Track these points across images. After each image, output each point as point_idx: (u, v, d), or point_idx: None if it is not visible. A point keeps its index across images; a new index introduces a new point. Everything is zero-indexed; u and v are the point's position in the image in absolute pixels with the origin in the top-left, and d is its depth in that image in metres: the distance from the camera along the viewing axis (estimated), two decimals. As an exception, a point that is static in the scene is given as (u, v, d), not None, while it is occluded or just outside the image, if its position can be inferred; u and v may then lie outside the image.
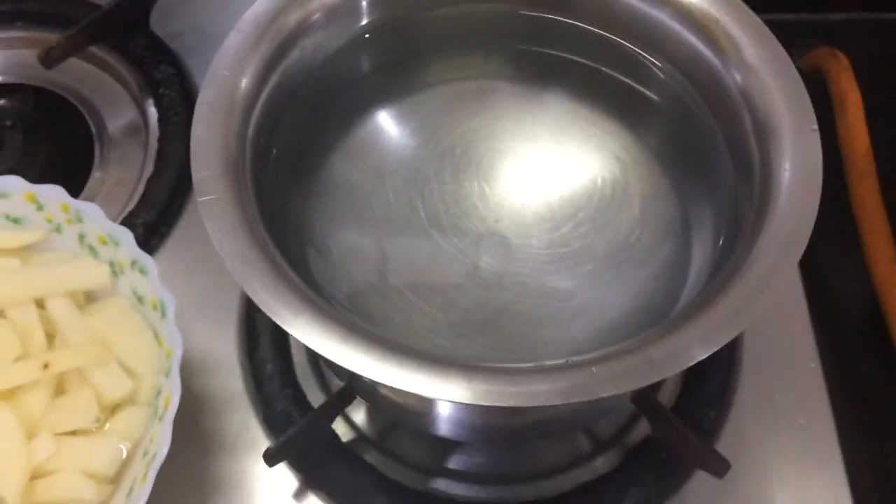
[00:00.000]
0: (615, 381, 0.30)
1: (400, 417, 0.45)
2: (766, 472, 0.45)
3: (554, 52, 0.45)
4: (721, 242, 0.37)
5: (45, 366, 0.39)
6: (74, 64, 0.58)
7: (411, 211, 0.44)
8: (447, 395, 0.29)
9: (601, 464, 0.46)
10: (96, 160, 0.57)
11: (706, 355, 0.30)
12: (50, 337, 0.42)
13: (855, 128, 0.61)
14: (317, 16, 0.40)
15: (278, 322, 0.31)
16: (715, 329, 0.31)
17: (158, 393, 0.40)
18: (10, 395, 0.39)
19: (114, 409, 0.41)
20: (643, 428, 0.47)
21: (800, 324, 0.50)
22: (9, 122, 0.55)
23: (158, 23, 0.60)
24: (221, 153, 0.35)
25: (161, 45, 0.59)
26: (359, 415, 0.48)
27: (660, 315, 0.40)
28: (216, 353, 0.49)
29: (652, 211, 0.43)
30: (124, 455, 0.38)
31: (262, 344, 0.48)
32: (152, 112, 0.58)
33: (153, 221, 0.52)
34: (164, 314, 0.40)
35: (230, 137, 0.35)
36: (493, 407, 0.31)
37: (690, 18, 0.39)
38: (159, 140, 0.55)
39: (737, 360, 0.48)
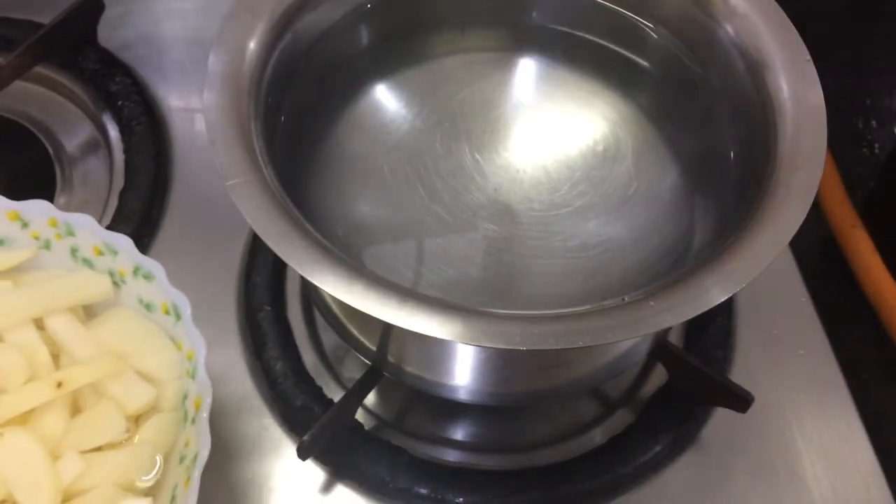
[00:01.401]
0: (673, 312, 0.30)
1: (425, 388, 0.44)
2: (779, 404, 0.47)
3: (546, 24, 0.46)
4: (725, 185, 0.39)
5: (59, 384, 0.38)
6: (21, 86, 0.56)
7: (409, 186, 0.43)
8: (527, 343, 0.29)
9: (620, 420, 0.47)
10: (58, 182, 0.55)
11: (751, 279, 0.31)
12: (55, 357, 0.40)
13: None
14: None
15: (335, 293, 0.31)
16: (753, 258, 0.32)
17: (185, 396, 0.38)
18: (25, 419, 0.37)
19: (137, 419, 0.39)
20: (651, 383, 0.48)
21: (785, 261, 0.52)
22: (-39, 150, 0.52)
23: (106, 36, 0.58)
24: (238, 135, 0.34)
25: (112, 58, 0.57)
26: (370, 400, 0.47)
27: (673, 261, 0.41)
28: (220, 360, 0.47)
29: (645, 163, 0.44)
30: (159, 464, 0.37)
31: (269, 343, 0.47)
32: (111, 126, 0.56)
33: (132, 234, 0.50)
34: (178, 316, 0.39)
35: (242, 117, 0.35)
36: (548, 354, 0.31)
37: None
38: (125, 152, 0.54)
39: (734, 303, 0.50)
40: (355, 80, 0.44)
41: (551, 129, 0.46)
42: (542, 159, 0.45)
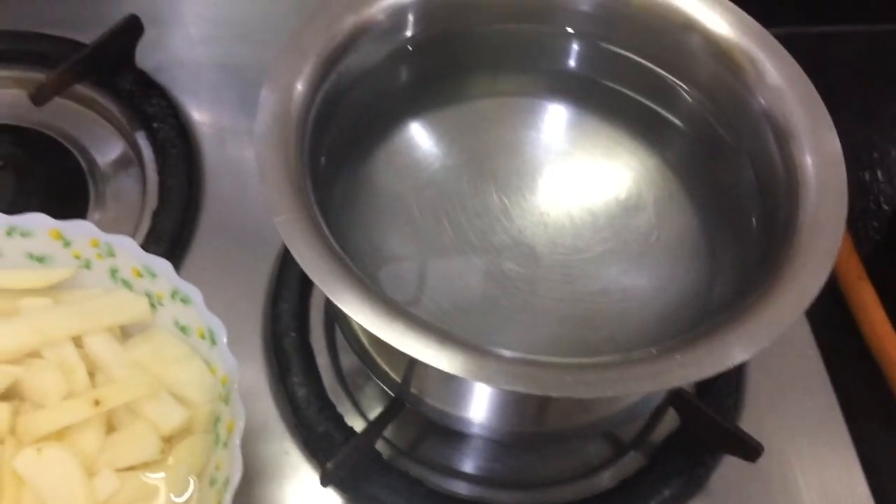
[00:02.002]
0: (699, 366, 0.32)
1: (443, 420, 0.45)
2: (785, 454, 0.48)
3: (580, 73, 0.48)
4: (745, 242, 0.40)
5: (96, 402, 0.39)
6: (58, 103, 0.57)
7: (437, 224, 0.45)
8: (559, 390, 0.31)
9: (630, 462, 0.48)
10: (91, 198, 0.56)
11: (771, 340, 0.32)
12: (90, 375, 0.41)
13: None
14: (360, 33, 0.41)
15: (378, 332, 0.32)
16: (773, 319, 0.33)
17: (217, 420, 0.40)
18: (61, 435, 0.39)
19: (169, 440, 0.40)
20: (663, 427, 0.50)
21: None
22: (0, 163, 0.54)
23: (143, 57, 0.60)
24: (284, 171, 0.35)
25: (149, 80, 0.59)
26: (390, 432, 0.49)
27: (693, 314, 0.42)
28: (244, 383, 0.47)
29: (667, 214, 0.46)
30: (193, 485, 0.38)
31: (294, 368, 0.48)
32: (145, 145, 0.57)
33: (164, 254, 0.50)
34: (214, 341, 0.40)
35: (290, 154, 0.36)
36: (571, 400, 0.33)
37: (715, 44, 0.42)
38: (159, 173, 0.55)
39: (745, 351, 0.51)
40: (390, 118, 0.46)
41: (577, 175, 0.47)
42: (567, 204, 0.46)
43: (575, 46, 0.47)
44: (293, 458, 0.46)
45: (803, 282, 0.34)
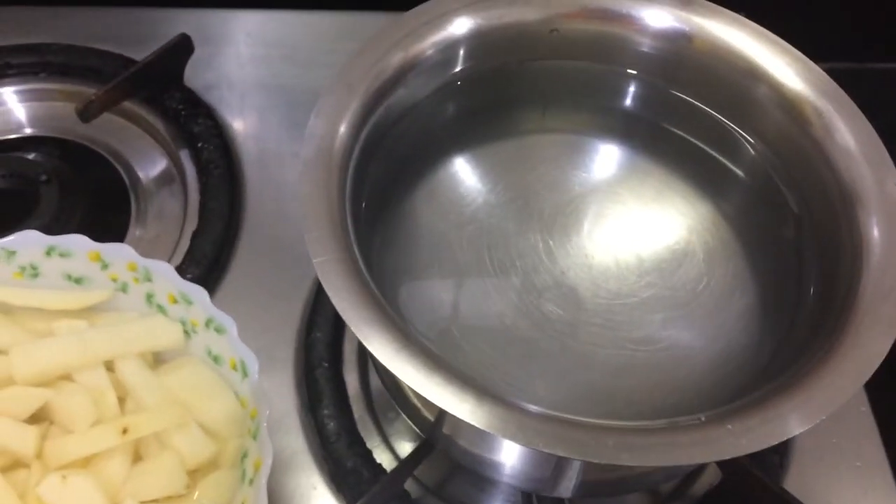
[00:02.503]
0: (751, 438, 0.30)
1: (473, 465, 0.44)
2: (830, 514, 0.46)
3: (634, 113, 0.47)
4: (811, 300, 0.38)
5: (125, 430, 0.38)
6: (104, 117, 0.58)
7: (478, 262, 0.44)
8: (601, 456, 0.30)
9: (670, 516, 0.47)
10: (133, 215, 0.56)
11: (834, 408, 0.31)
12: (121, 400, 0.41)
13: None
14: (407, 70, 0.41)
15: (414, 385, 0.31)
16: (834, 388, 0.31)
17: (244, 455, 0.39)
18: (87, 462, 0.38)
19: (194, 473, 0.39)
20: (704, 480, 0.48)
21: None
22: (44, 177, 0.54)
23: (192, 75, 0.60)
24: (326, 210, 0.35)
25: (196, 99, 0.59)
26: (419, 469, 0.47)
27: (741, 364, 0.41)
28: (276, 410, 0.48)
29: (717, 262, 0.44)
30: (216, 522, 0.37)
31: (325, 400, 0.47)
32: (188, 164, 0.57)
33: (201, 277, 0.51)
34: (245, 374, 0.40)
35: (332, 193, 0.35)
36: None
37: (781, 95, 0.41)
38: (201, 194, 0.55)
39: (793, 406, 0.49)
40: (435, 153, 0.45)
41: (624, 216, 0.46)
42: (612, 246, 0.45)
43: (632, 86, 0.46)
44: (321, 492, 0.45)
45: (865, 351, 0.32)
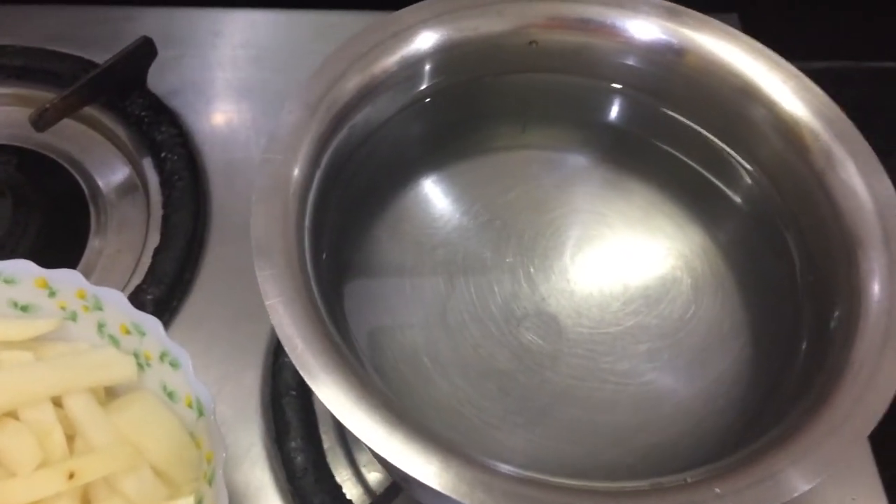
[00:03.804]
0: (740, 501, 0.28)
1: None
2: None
3: (617, 129, 0.44)
4: (804, 343, 0.36)
5: (71, 475, 0.36)
6: (63, 123, 0.54)
7: (454, 290, 0.41)
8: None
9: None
10: (92, 226, 0.53)
11: (826, 474, 0.28)
12: (69, 439, 0.38)
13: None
14: (371, 87, 0.38)
15: (372, 445, 0.28)
16: (835, 442, 0.29)
17: (200, 502, 0.36)
18: (31, 509, 0.35)
19: (147, 519, 0.37)
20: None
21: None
22: (-3, 189, 0.51)
23: (156, 79, 0.56)
24: (282, 247, 0.32)
25: (160, 105, 0.56)
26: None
27: (729, 402, 0.38)
28: (240, 441, 0.45)
29: (706, 291, 0.42)
30: (167, 576, 0.35)
31: (292, 431, 0.44)
32: (151, 174, 0.54)
33: (163, 297, 0.48)
34: (201, 412, 0.37)
35: (289, 228, 0.33)
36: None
37: (778, 117, 0.38)
38: (164, 207, 0.52)
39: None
40: (407, 173, 0.42)
41: (609, 239, 0.43)
42: (596, 271, 0.42)
43: (618, 102, 0.43)
44: (286, 530, 0.43)
45: (863, 406, 0.29)
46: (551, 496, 0.28)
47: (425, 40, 0.39)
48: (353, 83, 0.37)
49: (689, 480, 0.29)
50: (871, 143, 0.65)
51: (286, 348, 0.30)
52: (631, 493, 0.29)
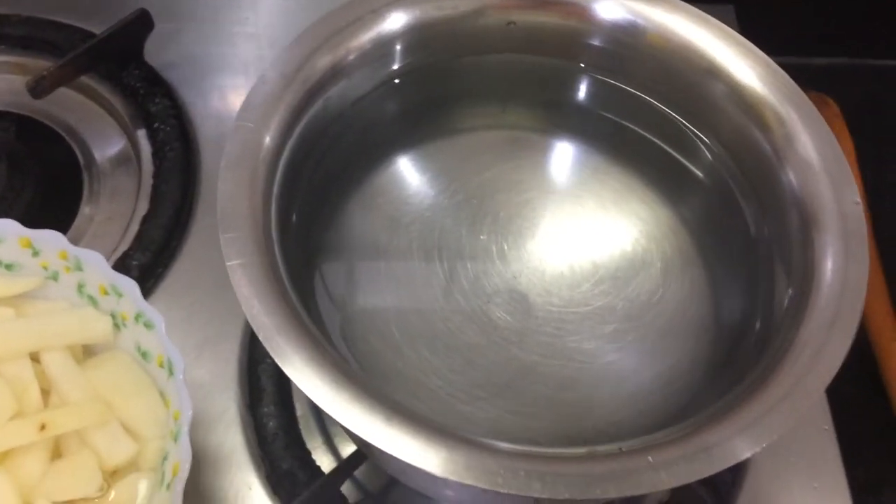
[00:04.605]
0: (673, 471, 0.28)
1: (405, 481, 0.43)
2: (781, 537, 0.45)
3: (591, 110, 0.44)
4: (757, 321, 0.37)
5: (43, 427, 0.37)
6: (59, 91, 0.56)
7: (427, 265, 0.42)
8: (509, 486, 0.28)
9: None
10: (85, 194, 0.54)
11: (760, 447, 0.29)
12: (45, 393, 0.39)
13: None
14: (344, 64, 0.38)
15: (318, 402, 0.29)
16: (767, 418, 0.30)
17: (165, 458, 0.37)
18: (3, 457, 0.37)
19: (114, 473, 0.38)
20: (652, 497, 0.46)
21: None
22: (-8, 153, 0.52)
23: (152, 52, 0.58)
24: (248, 212, 0.33)
25: (156, 77, 0.57)
26: (360, 470, 0.46)
27: (687, 383, 0.39)
28: (215, 405, 0.47)
29: (674, 272, 0.42)
30: (130, 527, 0.36)
31: (266, 398, 0.46)
32: (144, 145, 0.55)
33: (149, 263, 0.49)
34: (171, 372, 0.38)
35: (256, 195, 0.34)
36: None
37: (740, 95, 0.38)
38: (154, 177, 0.53)
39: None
40: (382, 150, 0.43)
41: (581, 219, 0.44)
42: (568, 251, 0.43)
43: (587, 82, 0.43)
44: (255, 493, 0.44)
45: (801, 388, 0.30)
46: (487, 461, 0.29)
47: (404, 17, 0.40)
48: (329, 56, 0.38)
49: (623, 449, 0.30)
50: (870, 141, 0.65)
51: (243, 309, 0.31)
52: (565, 458, 0.30)
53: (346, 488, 0.44)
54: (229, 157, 0.34)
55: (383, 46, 0.39)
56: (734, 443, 0.29)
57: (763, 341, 0.34)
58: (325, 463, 0.45)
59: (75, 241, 0.51)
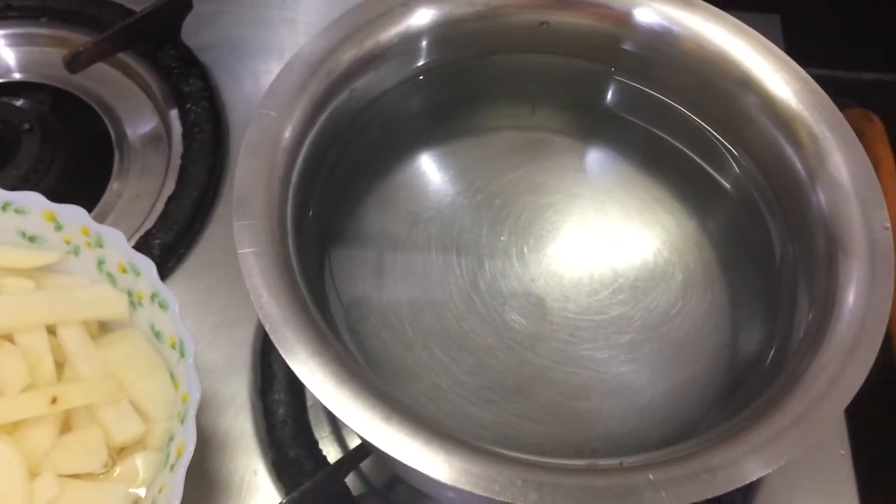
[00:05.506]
0: (674, 490, 0.28)
1: (409, 481, 0.43)
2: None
3: (621, 115, 0.44)
4: (775, 343, 0.36)
5: (54, 400, 0.37)
6: (97, 67, 0.56)
7: (444, 262, 0.42)
8: (506, 494, 0.28)
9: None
10: (115, 170, 0.55)
11: (767, 471, 0.28)
12: (59, 366, 0.40)
13: (889, 195, 0.61)
14: (372, 56, 0.38)
15: (318, 396, 0.29)
16: (777, 442, 0.29)
17: (171, 439, 0.38)
18: (13, 428, 0.37)
19: (120, 451, 0.38)
20: None
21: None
22: (27, 126, 0.53)
23: (189, 33, 0.58)
24: (264, 201, 0.33)
25: (191, 57, 0.57)
26: (366, 464, 0.46)
27: (700, 400, 0.38)
28: (227, 389, 0.47)
29: (696, 287, 0.41)
30: (132, 504, 0.36)
31: (277, 385, 0.46)
32: (176, 125, 0.56)
33: (171, 243, 0.50)
34: (182, 354, 0.38)
35: (273, 184, 0.34)
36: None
37: (774, 110, 0.37)
38: (182, 157, 0.53)
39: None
40: (409, 143, 0.43)
41: (604, 226, 0.43)
42: (588, 257, 0.42)
43: (618, 87, 0.43)
44: (261, 479, 0.44)
45: (816, 414, 0.29)
46: (487, 467, 0.29)
47: (434, 12, 0.39)
48: (356, 48, 0.38)
49: (624, 464, 0.29)
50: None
51: (252, 297, 0.31)
52: (566, 470, 0.29)
53: (352, 481, 0.44)
54: (249, 145, 0.34)
55: (412, 41, 0.39)
56: (742, 464, 0.28)
57: (780, 362, 0.33)
58: (332, 453, 0.45)
59: (103, 217, 0.52)
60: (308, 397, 0.47)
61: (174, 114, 0.56)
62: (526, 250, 0.42)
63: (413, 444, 0.29)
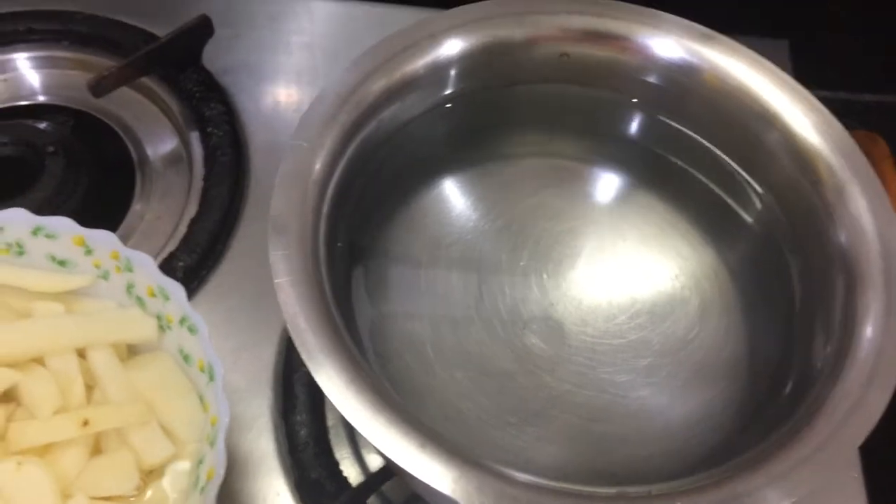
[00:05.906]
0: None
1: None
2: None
3: (642, 145, 0.45)
4: (793, 373, 0.37)
5: (85, 423, 0.38)
6: (118, 90, 0.57)
7: (465, 287, 0.43)
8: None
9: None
10: (137, 192, 0.56)
11: (791, 500, 0.29)
12: (88, 389, 0.40)
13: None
14: (400, 86, 0.39)
15: (355, 424, 0.30)
16: (799, 471, 0.30)
17: (200, 461, 0.38)
18: (45, 450, 0.38)
19: (150, 473, 0.39)
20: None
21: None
22: (51, 148, 0.54)
23: (210, 57, 0.59)
24: (298, 231, 0.34)
25: (212, 82, 0.58)
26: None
27: (718, 424, 0.39)
28: (249, 411, 0.47)
29: (712, 313, 0.42)
30: (163, 527, 0.37)
31: (299, 406, 0.46)
32: (197, 147, 0.56)
33: (194, 265, 0.51)
34: (211, 378, 0.39)
35: (307, 213, 0.35)
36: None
37: (794, 144, 0.38)
38: (204, 179, 0.54)
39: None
40: (432, 170, 0.44)
41: (622, 252, 0.44)
42: (606, 283, 0.43)
43: (638, 118, 0.44)
44: (283, 499, 0.45)
45: (835, 445, 0.30)
46: (512, 491, 0.29)
47: (460, 44, 0.40)
48: (384, 80, 0.39)
49: (652, 493, 0.30)
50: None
51: (288, 326, 0.32)
52: (595, 497, 0.30)
53: (372, 501, 0.45)
54: (283, 176, 0.35)
55: (438, 72, 0.40)
56: (764, 493, 0.29)
57: (798, 392, 0.34)
58: (352, 474, 0.46)
59: (125, 238, 0.53)
60: (329, 418, 0.47)
61: (195, 136, 0.57)
62: (545, 275, 0.43)
63: (449, 474, 0.29)
